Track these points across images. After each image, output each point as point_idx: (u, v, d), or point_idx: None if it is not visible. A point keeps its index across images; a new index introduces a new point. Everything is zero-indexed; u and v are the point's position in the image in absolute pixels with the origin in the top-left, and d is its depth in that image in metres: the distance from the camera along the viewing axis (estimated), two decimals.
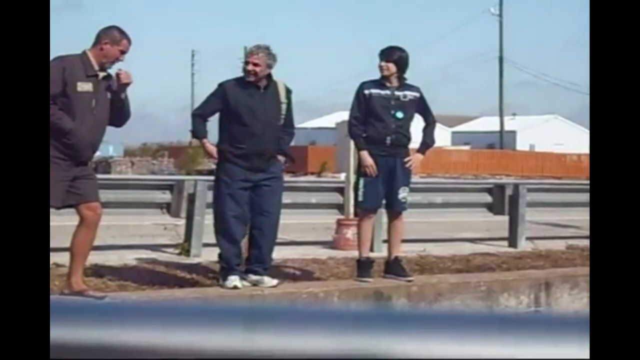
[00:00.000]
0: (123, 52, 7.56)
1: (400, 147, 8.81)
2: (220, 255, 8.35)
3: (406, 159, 8.86)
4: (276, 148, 8.27)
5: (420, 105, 8.93)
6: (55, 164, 7.23)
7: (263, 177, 8.19)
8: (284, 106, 8.30)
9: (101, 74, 7.48)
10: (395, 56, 8.77)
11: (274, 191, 8.26)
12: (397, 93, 8.77)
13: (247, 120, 8.12)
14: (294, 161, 9.47)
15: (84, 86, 7.38)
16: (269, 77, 8.26)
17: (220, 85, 8.38)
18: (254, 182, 8.16)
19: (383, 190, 8.81)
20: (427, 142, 9.10)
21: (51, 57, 7.07)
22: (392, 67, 8.72)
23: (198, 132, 8.42)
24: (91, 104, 7.40)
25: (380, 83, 8.81)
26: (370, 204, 8.94)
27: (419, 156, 9.07)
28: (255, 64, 8.11)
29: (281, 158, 8.36)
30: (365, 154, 8.78)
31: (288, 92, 8.36)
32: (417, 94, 8.88)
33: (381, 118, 8.72)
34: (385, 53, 8.81)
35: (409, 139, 8.90)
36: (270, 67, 8.22)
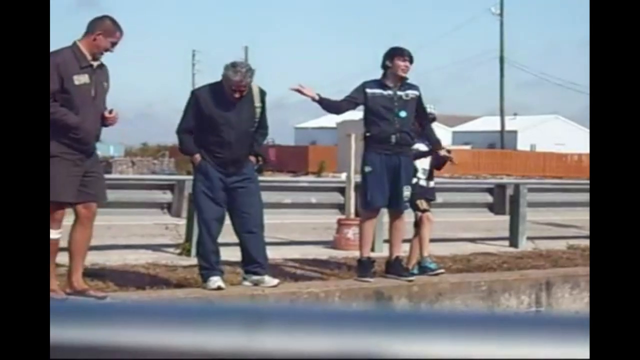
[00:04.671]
0: (114, 44, 7.49)
1: (405, 145, 8.85)
2: (198, 254, 8.34)
3: (443, 153, 9.27)
4: (250, 151, 8.27)
5: (419, 104, 8.98)
6: (66, 160, 7.24)
7: (236, 180, 8.15)
8: (258, 110, 8.23)
9: (95, 64, 7.44)
10: (409, 55, 8.90)
11: (249, 192, 8.21)
12: (399, 93, 8.81)
13: (222, 130, 8.06)
14: (267, 161, 9.51)
15: (81, 78, 7.33)
16: None
17: (193, 93, 8.35)
18: (227, 184, 8.14)
19: (388, 189, 8.82)
20: (438, 139, 9.45)
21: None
22: (410, 66, 8.85)
23: (189, 149, 8.28)
24: (90, 94, 7.37)
25: (382, 83, 8.84)
26: (376, 204, 8.94)
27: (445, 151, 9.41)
28: (242, 91, 8.05)
29: (253, 159, 8.33)
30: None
31: (262, 94, 8.27)
32: (417, 93, 8.95)
33: (385, 117, 8.76)
34: (404, 51, 8.87)
35: (412, 137, 8.94)
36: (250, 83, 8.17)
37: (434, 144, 9.36)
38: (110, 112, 7.52)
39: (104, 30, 7.43)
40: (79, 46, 7.39)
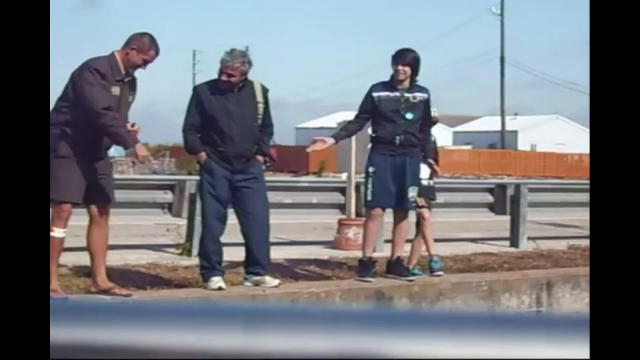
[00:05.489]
0: (146, 62, 7.44)
1: (410, 147, 8.84)
2: (200, 253, 8.34)
3: (431, 162, 9.19)
4: (255, 149, 8.26)
5: (426, 108, 8.95)
6: (75, 162, 7.26)
7: (242, 179, 8.15)
8: (260, 106, 8.22)
9: (127, 79, 7.42)
10: (409, 58, 8.84)
11: (255, 193, 8.21)
12: (406, 95, 8.79)
13: (223, 123, 8.06)
14: (275, 161, 9.53)
15: (114, 90, 7.33)
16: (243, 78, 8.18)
17: (194, 89, 8.40)
18: (233, 183, 8.14)
19: (393, 189, 8.81)
20: (431, 149, 9.42)
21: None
22: (408, 70, 8.78)
23: (194, 148, 8.29)
24: (116, 106, 7.36)
25: (390, 85, 8.84)
26: (379, 203, 8.92)
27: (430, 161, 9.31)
28: (230, 75, 8.01)
29: (260, 158, 8.34)
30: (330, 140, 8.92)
31: (265, 91, 8.27)
32: (426, 95, 8.92)
33: (391, 119, 8.77)
34: (400, 56, 8.84)
35: (418, 139, 8.92)
36: (245, 74, 8.09)
37: (427, 151, 9.24)
38: (133, 125, 7.56)
39: (139, 46, 7.37)
40: (116, 57, 7.37)
